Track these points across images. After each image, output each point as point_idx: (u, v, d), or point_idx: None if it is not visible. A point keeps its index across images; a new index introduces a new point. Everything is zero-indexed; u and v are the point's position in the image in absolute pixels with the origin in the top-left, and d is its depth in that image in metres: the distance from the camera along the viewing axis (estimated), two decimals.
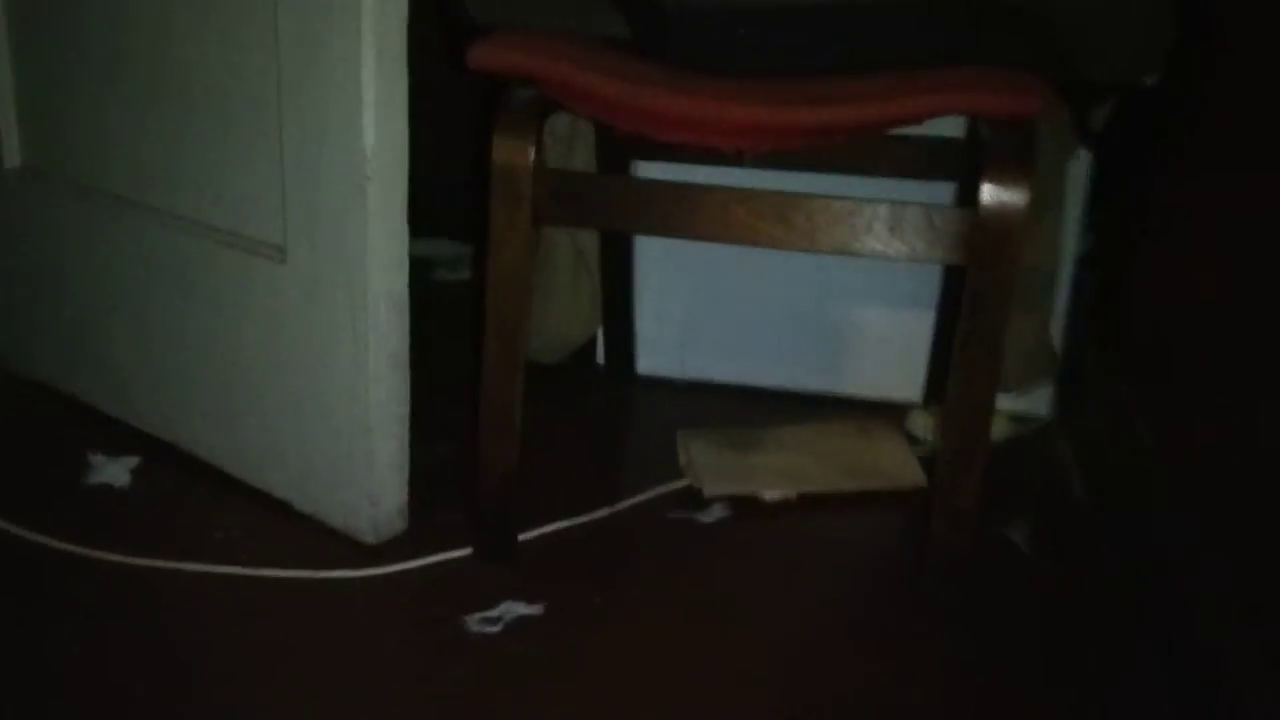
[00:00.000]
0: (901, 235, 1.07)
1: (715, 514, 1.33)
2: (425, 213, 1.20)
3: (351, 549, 1.21)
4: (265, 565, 1.17)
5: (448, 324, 1.60)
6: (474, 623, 1.11)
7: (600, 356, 1.70)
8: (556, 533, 1.27)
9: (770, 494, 1.37)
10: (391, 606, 1.14)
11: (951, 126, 1.35)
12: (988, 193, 1.02)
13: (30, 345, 1.51)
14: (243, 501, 1.28)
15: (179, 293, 1.29)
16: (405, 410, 1.19)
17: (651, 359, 1.68)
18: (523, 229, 1.11)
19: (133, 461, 1.34)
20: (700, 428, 1.49)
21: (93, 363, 1.43)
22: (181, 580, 1.15)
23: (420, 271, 1.20)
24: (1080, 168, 1.48)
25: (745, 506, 1.35)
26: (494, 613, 1.12)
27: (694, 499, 1.36)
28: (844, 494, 1.38)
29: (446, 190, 1.66)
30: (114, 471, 1.31)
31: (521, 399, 1.16)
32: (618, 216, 1.13)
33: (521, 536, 1.25)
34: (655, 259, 1.62)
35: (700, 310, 1.65)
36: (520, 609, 1.13)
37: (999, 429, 1.54)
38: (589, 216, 1.14)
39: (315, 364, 1.19)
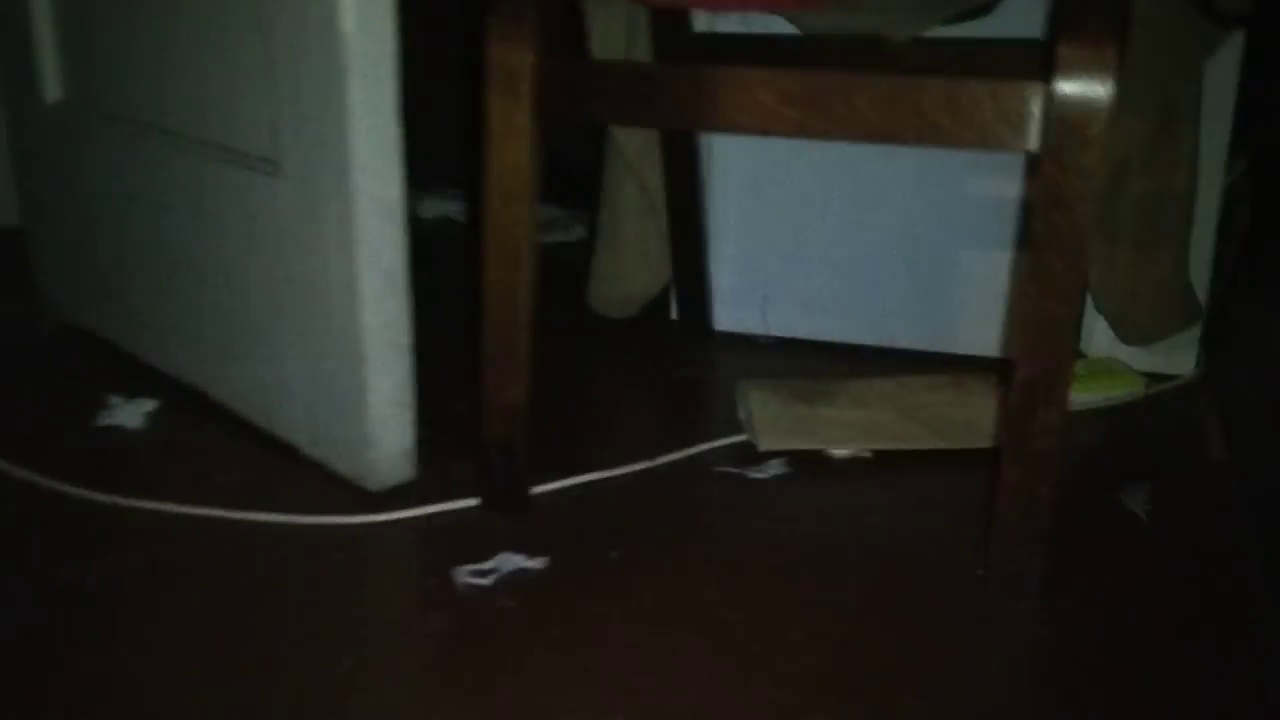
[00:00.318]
0: (961, 117, 0.88)
1: (770, 470, 1.16)
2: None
3: (350, 495, 1.09)
4: (256, 510, 1.06)
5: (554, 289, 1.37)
6: (464, 574, 0.97)
7: (674, 310, 1.55)
8: (581, 485, 1.12)
9: (838, 450, 1.19)
10: (379, 556, 1.02)
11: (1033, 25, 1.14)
12: (1064, 58, 0.83)
13: (75, 292, 1.46)
14: (251, 446, 1.19)
15: (190, 219, 1.21)
16: (405, 340, 1.07)
17: (731, 313, 1.52)
18: (524, 126, 0.98)
19: (150, 404, 1.26)
20: (766, 378, 1.32)
21: (122, 305, 1.37)
22: (162, 521, 1.05)
23: None
24: (1226, 76, 1.24)
25: (808, 464, 1.17)
26: (488, 565, 0.98)
27: (750, 454, 1.19)
28: (928, 453, 1.19)
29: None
30: (128, 414, 1.24)
31: (530, 328, 1.02)
32: (629, 106, 0.98)
33: (539, 489, 1.11)
34: (730, 200, 1.46)
35: (783, 259, 1.48)
36: (519, 562, 0.98)
37: (1128, 386, 1.31)
38: (597, 107, 0.99)
39: (312, 288, 1.08)
